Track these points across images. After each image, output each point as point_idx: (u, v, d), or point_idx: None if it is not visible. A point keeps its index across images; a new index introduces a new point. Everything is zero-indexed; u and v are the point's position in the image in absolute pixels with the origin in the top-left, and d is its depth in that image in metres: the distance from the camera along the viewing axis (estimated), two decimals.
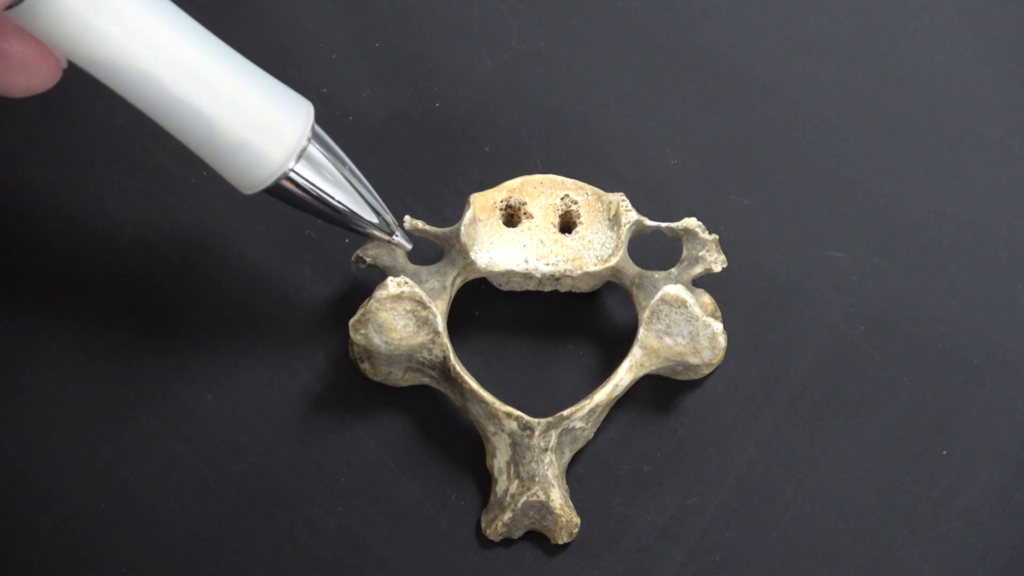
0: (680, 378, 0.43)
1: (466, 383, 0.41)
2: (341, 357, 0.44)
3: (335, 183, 0.38)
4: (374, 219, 0.39)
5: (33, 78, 0.36)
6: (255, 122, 0.36)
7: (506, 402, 0.42)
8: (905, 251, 0.45)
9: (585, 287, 0.43)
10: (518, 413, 0.41)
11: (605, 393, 0.41)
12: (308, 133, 0.37)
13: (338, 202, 0.39)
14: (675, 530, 0.43)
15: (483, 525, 0.42)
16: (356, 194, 0.39)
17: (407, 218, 0.42)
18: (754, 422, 0.43)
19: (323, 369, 0.43)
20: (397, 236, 0.40)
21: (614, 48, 0.46)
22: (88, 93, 0.45)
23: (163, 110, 0.36)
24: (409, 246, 0.41)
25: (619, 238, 0.42)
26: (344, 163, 0.39)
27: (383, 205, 0.40)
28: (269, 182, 0.37)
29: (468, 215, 0.42)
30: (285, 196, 0.38)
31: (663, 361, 0.42)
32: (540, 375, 0.44)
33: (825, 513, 0.43)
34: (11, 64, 0.35)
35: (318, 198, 0.38)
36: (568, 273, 0.42)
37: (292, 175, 0.38)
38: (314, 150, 0.38)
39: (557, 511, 0.41)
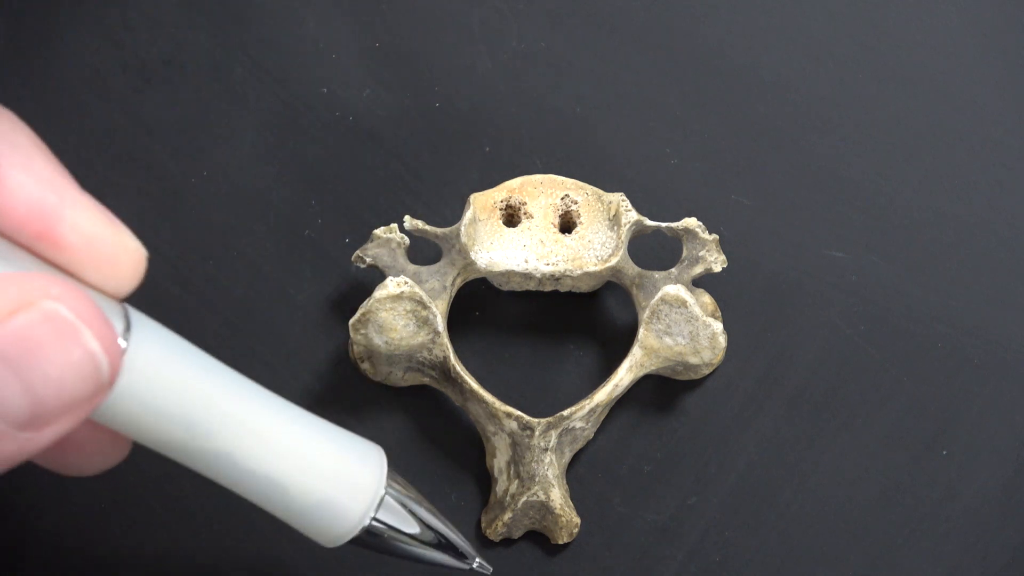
0: (680, 378, 0.43)
1: (466, 383, 0.41)
2: (341, 357, 0.44)
3: (416, 525, 0.37)
4: (455, 550, 0.38)
5: (108, 459, 0.35)
6: (329, 480, 0.35)
7: (506, 402, 0.42)
8: (905, 251, 0.45)
9: (585, 287, 0.43)
10: (518, 413, 0.41)
11: (605, 393, 0.41)
12: (383, 481, 0.37)
13: (422, 543, 0.38)
14: (675, 530, 0.43)
15: (483, 525, 0.42)
16: (435, 534, 0.38)
17: (407, 218, 0.42)
18: (754, 422, 0.43)
19: (323, 369, 0.43)
20: (477, 561, 0.39)
21: (614, 48, 0.46)
22: (88, 93, 0.45)
23: (236, 482, 0.35)
24: (490, 570, 0.39)
25: (619, 238, 0.42)
26: (421, 503, 0.38)
27: (459, 534, 0.39)
28: (351, 535, 0.36)
29: (468, 215, 0.42)
30: (371, 545, 0.37)
31: (663, 361, 0.42)
32: (540, 375, 0.44)
33: (825, 513, 0.43)
34: (84, 450, 0.35)
35: (402, 543, 0.37)
36: (568, 273, 0.42)
37: (373, 526, 0.37)
38: (391, 499, 0.37)
39: (557, 511, 0.41)
